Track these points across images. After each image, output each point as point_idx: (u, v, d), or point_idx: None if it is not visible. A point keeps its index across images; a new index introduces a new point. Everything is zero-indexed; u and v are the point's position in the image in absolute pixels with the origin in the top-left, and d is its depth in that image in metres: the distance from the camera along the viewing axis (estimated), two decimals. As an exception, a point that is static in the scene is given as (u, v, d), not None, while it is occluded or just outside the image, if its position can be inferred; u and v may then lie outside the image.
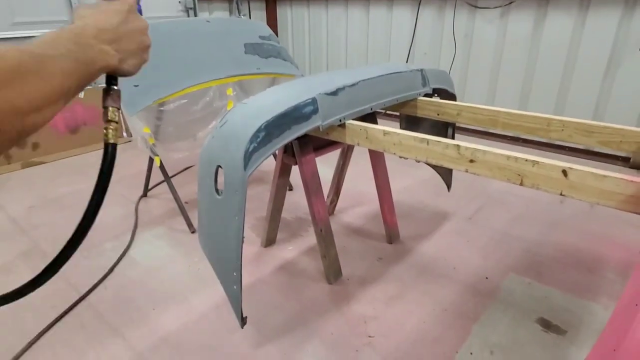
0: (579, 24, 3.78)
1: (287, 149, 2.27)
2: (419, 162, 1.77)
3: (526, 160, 1.44)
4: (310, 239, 2.76)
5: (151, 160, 2.99)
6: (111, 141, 0.75)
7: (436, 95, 2.57)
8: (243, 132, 1.60)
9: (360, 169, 3.35)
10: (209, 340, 1.97)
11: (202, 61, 2.70)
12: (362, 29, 5.36)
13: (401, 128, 2.73)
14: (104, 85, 0.77)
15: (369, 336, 1.98)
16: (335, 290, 2.29)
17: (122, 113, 2.71)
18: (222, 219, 1.60)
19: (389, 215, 2.65)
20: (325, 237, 2.27)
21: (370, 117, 2.26)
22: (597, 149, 3.77)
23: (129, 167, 3.84)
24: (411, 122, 2.80)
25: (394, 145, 1.77)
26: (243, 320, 1.73)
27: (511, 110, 2.12)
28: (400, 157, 1.79)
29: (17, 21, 3.87)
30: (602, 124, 1.86)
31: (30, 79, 0.53)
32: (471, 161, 1.56)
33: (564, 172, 1.37)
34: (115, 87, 0.77)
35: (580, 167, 1.36)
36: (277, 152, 2.30)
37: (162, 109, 2.69)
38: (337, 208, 3.07)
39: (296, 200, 3.23)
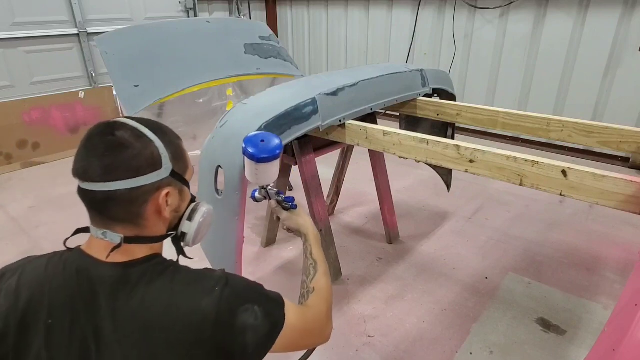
0: (579, 24, 3.79)
1: (287, 149, 2.27)
2: (418, 162, 1.77)
3: (526, 160, 1.44)
4: (310, 239, 2.75)
5: (151, 160, 2.99)
6: None
7: (436, 95, 2.57)
8: (243, 132, 1.61)
9: (360, 169, 3.36)
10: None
11: (202, 61, 2.71)
12: (362, 29, 5.36)
13: (401, 128, 2.73)
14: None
15: (369, 336, 1.98)
16: (335, 290, 2.29)
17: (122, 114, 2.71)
18: (222, 219, 1.60)
19: (389, 215, 2.65)
20: (325, 237, 2.27)
21: (370, 118, 2.26)
22: (596, 149, 3.77)
23: (129, 167, 3.82)
24: (411, 123, 2.80)
25: (393, 145, 1.77)
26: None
27: (511, 110, 2.12)
28: (400, 157, 1.79)
29: (17, 21, 3.88)
30: (601, 124, 1.87)
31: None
32: (471, 161, 1.56)
33: (564, 173, 1.38)
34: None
35: (579, 167, 1.36)
36: (277, 152, 2.30)
37: (162, 109, 2.69)
38: (337, 208, 3.07)
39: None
